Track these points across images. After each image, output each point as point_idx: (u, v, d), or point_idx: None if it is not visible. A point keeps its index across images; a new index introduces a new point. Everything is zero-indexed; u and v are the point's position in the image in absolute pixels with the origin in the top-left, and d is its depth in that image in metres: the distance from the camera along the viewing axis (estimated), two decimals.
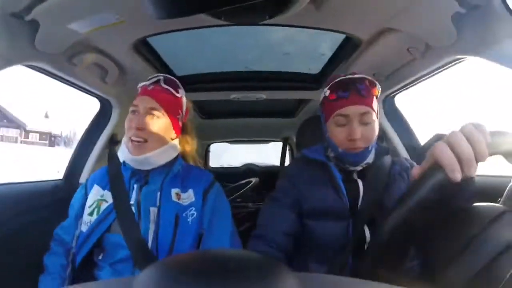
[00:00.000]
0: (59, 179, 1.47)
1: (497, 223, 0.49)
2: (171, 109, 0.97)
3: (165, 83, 0.96)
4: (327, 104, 0.92)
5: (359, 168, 0.93)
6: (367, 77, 0.91)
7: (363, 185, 0.90)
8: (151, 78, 0.97)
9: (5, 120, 36.28)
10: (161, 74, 0.99)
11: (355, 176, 0.93)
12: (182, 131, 1.05)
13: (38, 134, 38.89)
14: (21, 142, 35.52)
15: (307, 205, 0.91)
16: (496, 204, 0.56)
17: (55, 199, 1.31)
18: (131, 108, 0.95)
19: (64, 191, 1.35)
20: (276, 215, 0.93)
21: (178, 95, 0.98)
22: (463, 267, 0.48)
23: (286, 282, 0.27)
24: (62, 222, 1.03)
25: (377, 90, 0.91)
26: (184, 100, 1.02)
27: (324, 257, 0.88)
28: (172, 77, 1.00)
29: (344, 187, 0.89)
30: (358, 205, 0.88)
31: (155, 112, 0.94)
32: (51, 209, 1.24)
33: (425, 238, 0.56)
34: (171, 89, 0.96)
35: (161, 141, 0.95)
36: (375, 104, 0.90)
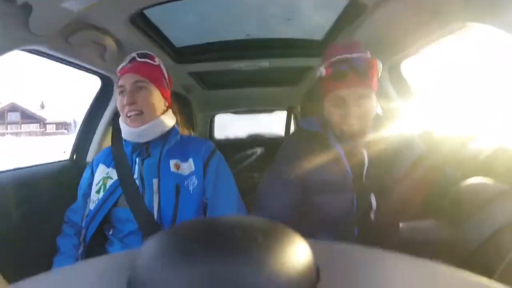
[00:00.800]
0: (66, 160, 1.49)
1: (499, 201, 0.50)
2: (154, 77, 0.99)
3: (140, 57, 0.98)
4: (323, 83, 0.90)
5: (359, 139, 0.91)
6: (366, 55, 0.86)
7: (368, 155, 0.90)
8: (127, 59, 0.99)
9: (25, 118, 37.10)
10: (136, 52, 1.00)
11: (357, 144, 0.92)
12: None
13: (54, 125, 39.59)
14: (43, 134, 36.23)
15: (309, 179, 0.91)
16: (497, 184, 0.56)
17: (63, 179, 1.33)
18: (118, 90, 0.97)
19: (72, 171, 1.38)
20: (281, 190, 0.92)
21: (155, 63, 1.00)
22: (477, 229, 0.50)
23: (296, 247, 0.26)
24: (72, 201, 1.07)
25: (378, 69, 0.87)
26: (163, 67, 1.03)
27: (330, 229, 0.90)
28: (145, 51, 1.01)
29: (346, 160, 0.89)
30: (363, 175, 0.88)
31: (140, 84, 0.96)
32: (60, 189, 1.26)
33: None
34: (148, 60, 0.98)
35: (155, 110, 0.98)
36: (374, 84, 0.87)
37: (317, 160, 0.91)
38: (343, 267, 0.30)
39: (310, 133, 0.95)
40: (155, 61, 1.00)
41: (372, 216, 0.86)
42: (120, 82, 0.97)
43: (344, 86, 0.84)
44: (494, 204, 0.51)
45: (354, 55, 0.84)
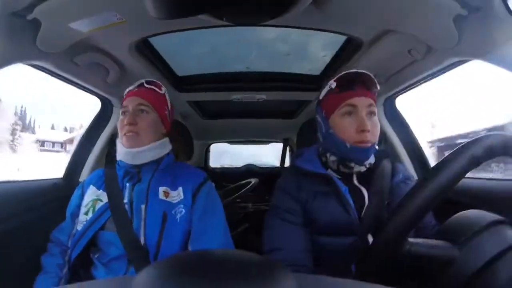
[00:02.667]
0: (59, 178, 1.47)
1: (487, 232, 0.51)
2: (157, 104, 1.02)
3: (148, 84, 1.03)
4: (332, 97, 0.90)
5: (363, 168, 0.89)
6: (370, 73, 0.89)
7: (368, 192, 0.89)
8: (135, 84, 1.04)
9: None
10: (144, 79, 1.04)
11: (355, 181, 0.91)
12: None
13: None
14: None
15: (315, 222, 0.88)
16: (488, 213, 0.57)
17: (54, 197, 1.30)
18: (121, 110, 1.01)
19: (64, 190, 1.35)
20: (290, 235, 0.87)
21: (161, 92, 1.05)
22: (460, 268, 0.49)
23: (285, 282, 0.27)
24: (62, 220, 1.05)
25: (377, 88, 0.90)
26: (168, 97, 1.07)
27: (329, 266, 0.86)
28: (153, 80, 1.06)
29: (352, 201, 0.86)
30: (362, 213, 0.86)
31: (143, 107, 0.99)
32: (50, 207, 1.24)
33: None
34: (154, 87, 1.03)
35: (152, 135, 1.00)
36: (376, 101, 0.90)
37: (324, 203, 0.88)
38: None
39: (310, 172, 0.91)
40: (161, 90, 1.05)
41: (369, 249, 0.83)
42: (125, 103, 1.00)
43: (356, 95, 0.86)
44: (489, 231, 0.51)
45: (361, 71, 0.89)
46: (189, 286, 0.25)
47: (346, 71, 0.90)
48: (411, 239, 0.54)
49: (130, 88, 1.03)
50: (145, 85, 1.02)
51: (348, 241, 0.84)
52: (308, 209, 0.89)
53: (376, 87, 0.89)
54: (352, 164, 0.89)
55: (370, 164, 0.91)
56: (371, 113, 0.87)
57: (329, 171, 0.92)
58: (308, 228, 0.89)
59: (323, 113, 0.93)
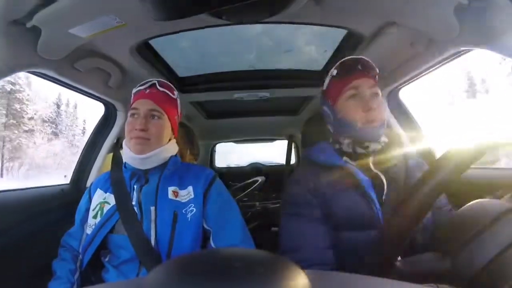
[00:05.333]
0: (66, 184, 1.49)
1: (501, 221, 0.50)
2: (170, 110, 0.99)
3: (161, 86, 0.99)
4: (335, 83, 0.92)
5: (378, 146, 0.87)
6: (368, 59, 0.91)
7: (386, 179, 0.86)
8: (145, 83, 1.00)
9: None
10: (156, 79, 1.01)
11: (371, 165, 0.87)
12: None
13: None
14: None
15: (334, 216, 0.84)
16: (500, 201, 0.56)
17: (62, 203, 1.31)
18: (131, 112, 0.97)
19: (71, 195, 1.36)
20: (308, 232, 0.85)
21: (174, 96, 1.02)
22: (471, 259, 0.49)
23: (296, 280, 0.26)
24: (70, 225, 1.05)
25: (377, 71, 0.92)
26: (179, 101, 1.05)
27: (356, 263, 0.80)
28: (165, 81, 1.03)
29: (375, 194, 0.84)
30: (383, 200, 0.84)
31: (156, 113, 0.96)
32: (59, 213, 1.25)
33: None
34: (167, 91, 1.00)
35: (161, 140, 0.98)
36: (379, 88, 0.91)
37: (341, 195, 0.85)
38: None
39: (325, 165, 0.90)
40: (173, 94, 1.02)
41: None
42: (135, 105, 0.97)
43: (357, 78, 0.88)
44: (497, 224, 0.50)
45: (359, 56, 0.91)
46: (198, 285, 0.25)
47: (344, 58, 0.92)
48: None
49: (140, 88, 0.99)
50: (158, 87, 0.98)
51: (372, 234, 0.81)
52: (327, 203, 0.85)
53: (375, 71, 0.90)
54: (367, 144, 0.87)
55: (384, 142, 0.89)
56: (375, 94, 0.88)
57: (345, 159, 0.90)
58: (328, 224, 0.85)
59: (329, 101, 0.93)
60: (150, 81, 1.00)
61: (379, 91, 0.89)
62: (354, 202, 0.83)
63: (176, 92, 1.03)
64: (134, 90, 1.00)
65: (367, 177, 0.86)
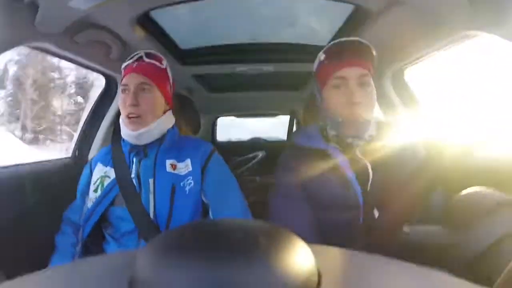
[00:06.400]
0: (68, 157, 1.50)
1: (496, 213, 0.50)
2: (160, 81, 0.97)
3: (148, 58, 0.97)
4: (322, 69, 0.87)
5: (362, 142, 0.85)
6: (362, 40, 0.85)
7: (372, 167, 0.85)
8: (133, 56, 0.98)
9: None
10: (143, 51, 0.98)
11: (358, 153, 0.86)
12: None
13: None
14: None
15: (315, 199, 0.87)
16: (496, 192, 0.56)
17: (64, 177, 1.33)
18: (121, 88, 0.96)
19: (73, 169, 1.37)
20: (295, 210, 0.87)
21: (162, 66, 0.99)
22: (466, 249, 0.50)
23: (297, 251, 0.26)
24: (72, 199, 1.07)
25: (374, 55, 0.86)
26: (169, 70, 1.02)
27: (334, 242, 0.87)
28: (153, 51, 1.00)
29: (354, 176, 0.84)
30: (368, 188, 0.84)
31: (145, 86, 0.95)
32: (61, 187, 1.26)
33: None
34: (155, 62, 0.97)
35: (155, 114, 0.97)
36: (371, 71, 0.85)
37: (323, 179, 0.86)
38: (345, 272, 0.30)
39: (309, 149, 0.90)
40: (162, 64, 0.99)
41: (375, 224, 0.84)
42: (124, 81, 0.95)
43: (345, 65, 0.82)
44: (494, 214, 0.51)
45: (352, 38, 0.85)
46: (198, 255, 0.24)
47: (335, 41, 0.87)
48: (407, 228, 0.54)
49: (128, 62, 0.97)
50: (145, 59, 0.96)
51: (349, 216, 0.84)
52: (309, 186, 0.87)
53: (371, 54, 0.85)
54: (350, 140, 0.85)
55: (370, 136, 0.87)
56: (363, 84, 0.83)
57: (331, 145, 0.89)
58: (310, 204, 0.88)
59: (319, 85, 0.90)
60: (138, 53, 0.97)
61: (371, 81, 0.84)
62: (332, 184, 0.85)
63: (164, 62, 1.00)
64: (123, 65, 0.98)
65: (347, 160, 0.86)
